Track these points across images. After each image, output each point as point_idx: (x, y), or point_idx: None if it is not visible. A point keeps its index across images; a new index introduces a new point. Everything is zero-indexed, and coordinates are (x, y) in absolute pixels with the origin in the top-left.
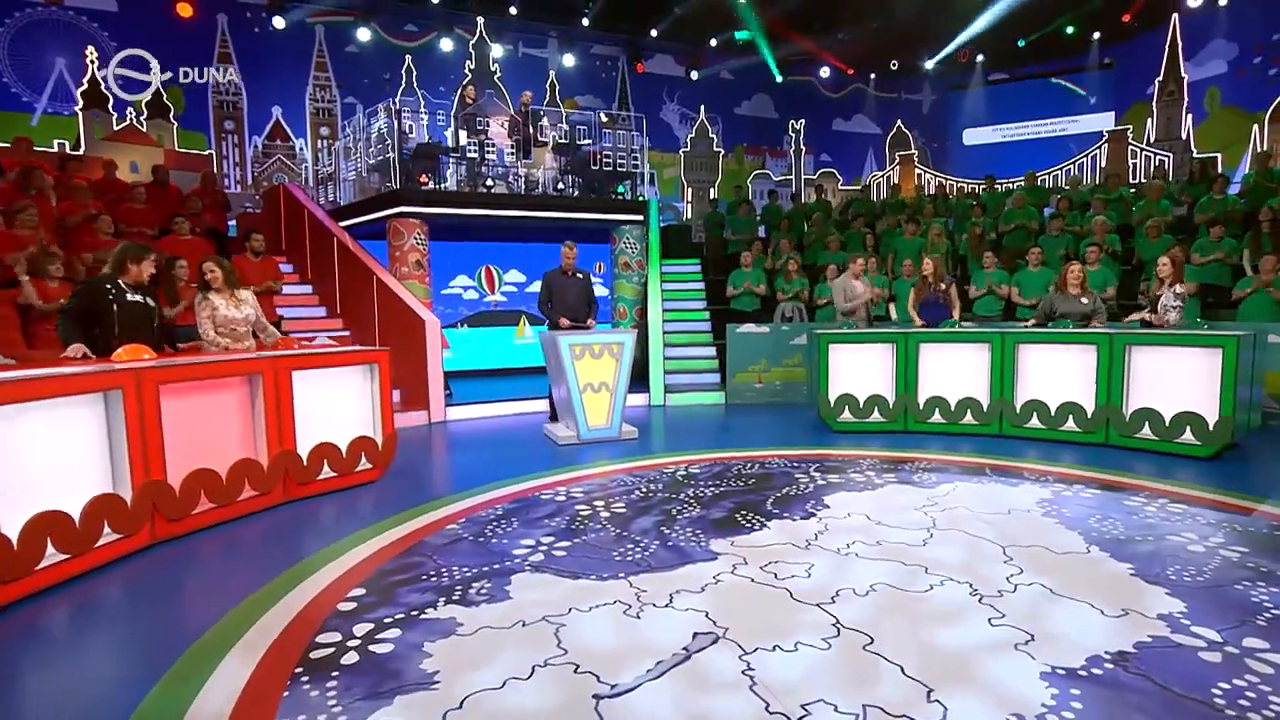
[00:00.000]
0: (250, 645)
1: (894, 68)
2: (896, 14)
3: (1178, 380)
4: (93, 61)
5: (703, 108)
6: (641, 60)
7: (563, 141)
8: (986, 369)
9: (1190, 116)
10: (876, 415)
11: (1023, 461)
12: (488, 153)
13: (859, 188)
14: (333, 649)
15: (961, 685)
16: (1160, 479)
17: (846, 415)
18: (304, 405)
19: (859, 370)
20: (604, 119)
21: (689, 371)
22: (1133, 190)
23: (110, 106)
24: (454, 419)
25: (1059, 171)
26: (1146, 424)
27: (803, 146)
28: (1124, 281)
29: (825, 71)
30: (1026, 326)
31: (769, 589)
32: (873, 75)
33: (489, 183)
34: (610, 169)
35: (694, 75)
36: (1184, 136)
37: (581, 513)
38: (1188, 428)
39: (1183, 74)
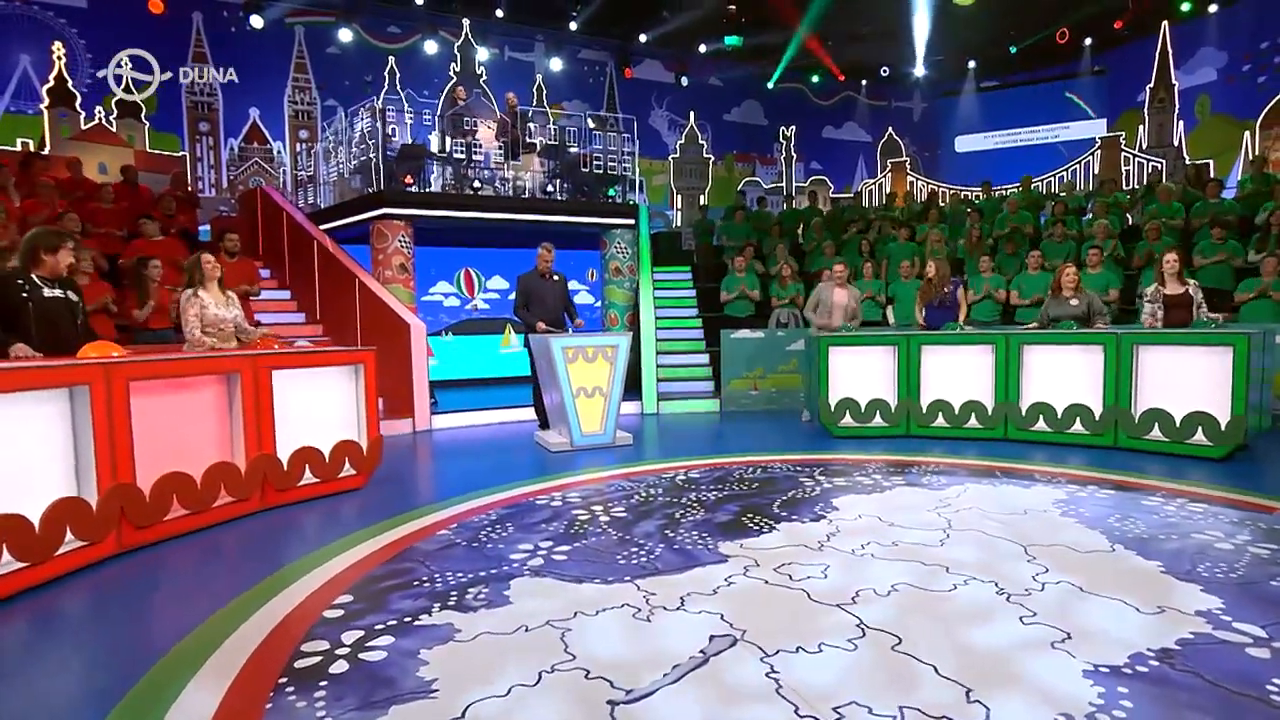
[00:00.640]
0: (228, 656)
1: (885, 74)
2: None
3: (1188, 380)
4: (60, 58)
5: (692, 114)
6: (630, 65)
7: (552, 143)
8: (991, 371)
9: (1182, 124)
10: (878, 420)
11: (1032, 464)
12: (475, 154)
13: (851, 195)
14: (320, 658)
15: (1002, 685)
16: (1175, 479)
17: (848, 420)
18: (285, 407)
19: (860, 374)
20: (592, 123)
21: (682, 379)
22: (1129, 195)
23: (78, 105)
24: (439, 427)
25: (1052, 178)
26: (1156, 425)
27: (794, 154)
28: (1126, 285)
29: (816, 78)
30: (1029, 329)
31: (785, 590)
32: (864, 82)
33: (475, 184)
34: (601, 171)
35: (684, 81)
36: (1176, 143)
37: (580, 517)
38: (1199, 428)
39: (1173, 81)
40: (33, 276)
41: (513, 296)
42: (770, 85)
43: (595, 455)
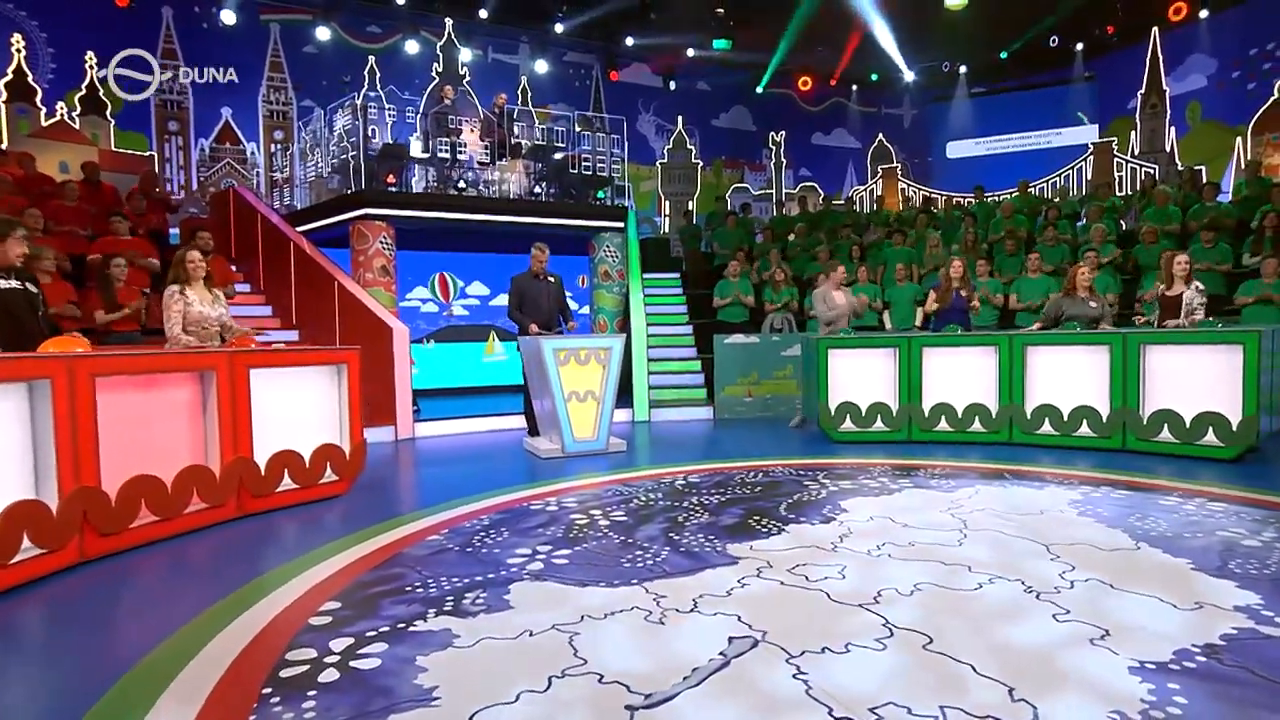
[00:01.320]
0: (204, 667)
1: (874, 80)
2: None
3: (1197, 380)
4: (19, 51)
5: (680, 119)
6: (616, 69)
7: (540, 143)
8: (994, 374)
9: (1173, 129)
10: (879, 424)
11: (1041, 466)
12: (460, 153)
13: (842, 201)
14: (307, 666)
15: (1046, 683)
16: (1189, 480)
17: (848, 425)
18: (263, 408)
19: (861, 377)
20: (579, 125)
21: (674, 386)
22: (1123, 200)
23: (38, 100)
24: (423, 435)
25: (1045, 184)
26: (1166, 426)
27: (783, 160)
28: (1123, 290)
29: (806, 83)
30: (1033, 330)
31: (803, 591)
32: (854, 87)
33: (460, 184)
34: (590, 173)
35: (672, 85)
36: (1168, 149)
37: (578, 522)
38: (1210, 429)
39: (1164, 87)
40: None
41: (496, 302)
42: (759, 90)
43: (588, 462)
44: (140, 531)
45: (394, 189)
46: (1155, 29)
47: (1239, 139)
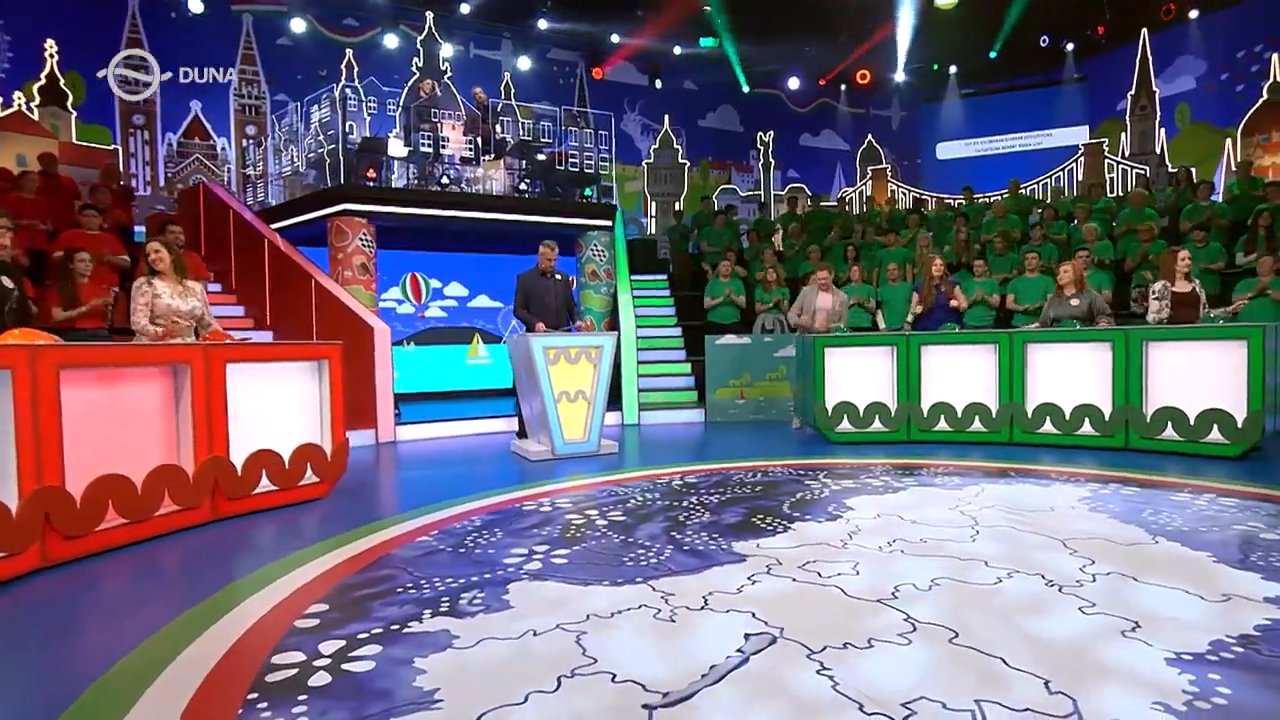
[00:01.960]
0: (183, 671)
1: (863, 81)
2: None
3: (1200, 376)
4: None
5: (667, 118)
6: (601, 65)
7: (526, 139)
8: (994, 372)
9: (1163, 131)
10: (878, 424)
11: (1045, 465)
12: (443, 148)
13: (834, 202)
14: (295, 669)
15: (1082, 675)
16: (1197, 477)
17: (845, 425)
18: (240, 405)
19: (858, 376)
20: (565, 122)
21: (664, 389)
22: (1116, 201)
23: None
24: (405, 439)
25: (1035, 185)
26: (1169, 424)
27: (771, 160)
28: (1116, 290)
29: (795, 83)
30: (1032, 329)
31: (816, 588)
32: (842, 87)
33: (443, 180)
34: (577, 170)
35: (658, 84)
36: (1158, 151)
37: (574, 522)
38: (1214, 426)
39: (1154, 89)
40: None
41: (475, 304)
42: (745, 89)
43: (579, 464)
44: (107, 535)
45: (374, 184)
46: (1145, 30)
47: (1228, 140)
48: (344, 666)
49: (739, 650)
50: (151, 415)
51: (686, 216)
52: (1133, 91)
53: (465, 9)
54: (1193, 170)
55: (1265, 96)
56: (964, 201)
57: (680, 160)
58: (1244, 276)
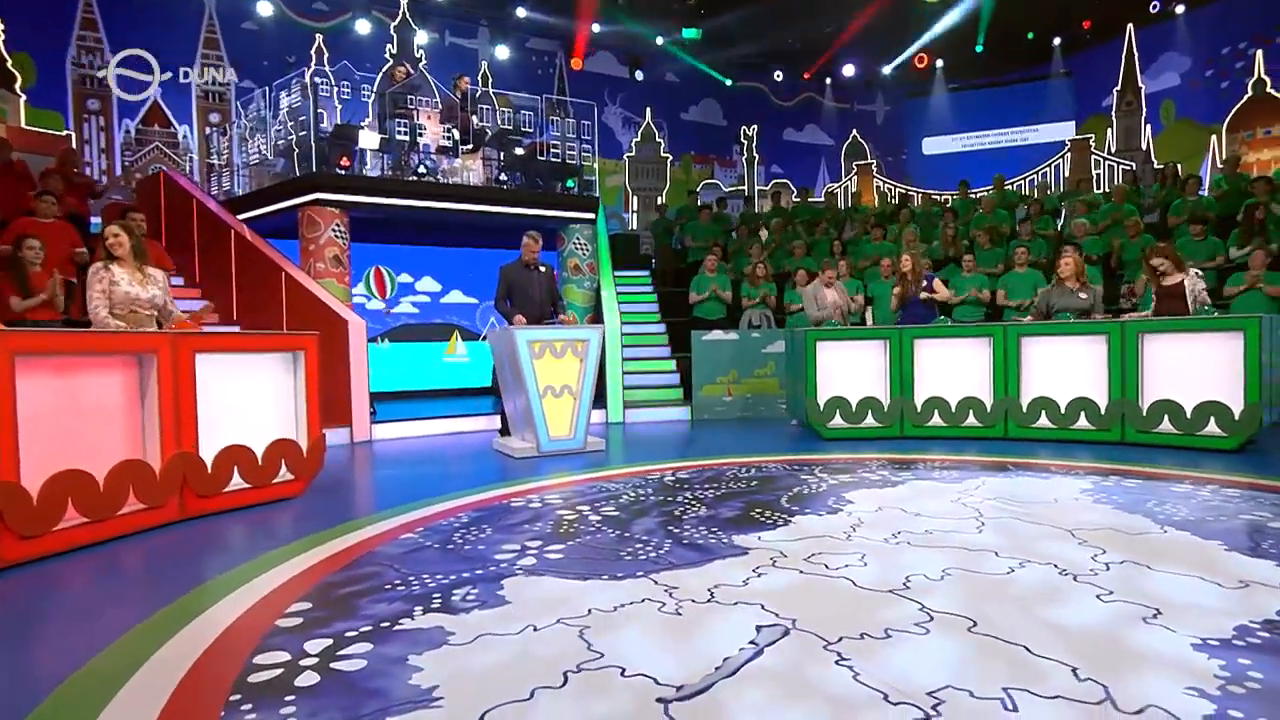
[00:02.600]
0: (157, 672)
1: (848, 75)
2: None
3: (1197, 368)
4: None
5: (648, 111)
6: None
7: (506, 127)
8: (989, 366)
9: (1149, 127)
10: (871, 420)
11: (1043, 459)
12: (419, 136)
13: (820, 198)
14: (280, 670)
15: (1109, 662)
16: (1197, 469)
17: (838, 421)
18: (210, 398)
19: (850, 371)
20: (546, 112)
21: (649, 386)
22: (1103, 196)
23: None
24: (381, 438)
25: (1022, 181)
26: (1166, 417)
27: (755, 155)
28: (1106, 285)
29: (779, 76)
30: (1026, 321)
31: (825, 580)
32: (827, 80)
33: (420, 170)
34: (559, 160)
35: (639, 75)
36: (1144, 147)
37: (566, 517)
38: (1211, 418)
39: (1140, 85)
40: None
41: (448, 299)
42: (728, 83)
43: (566, 461)
44: (67, 534)
45: (347, 173)
46: (1131, 26)
47: (1213, 137)
48: (333, 665)
49: (751, 642)
50: (115, 408)
51: (670, 210)
52: (1118, 87)
53: None
54: (1179, 166)
55: (1250, 93)
56: (957, 196)
57: (662, 154)
58: (1234, 270)
